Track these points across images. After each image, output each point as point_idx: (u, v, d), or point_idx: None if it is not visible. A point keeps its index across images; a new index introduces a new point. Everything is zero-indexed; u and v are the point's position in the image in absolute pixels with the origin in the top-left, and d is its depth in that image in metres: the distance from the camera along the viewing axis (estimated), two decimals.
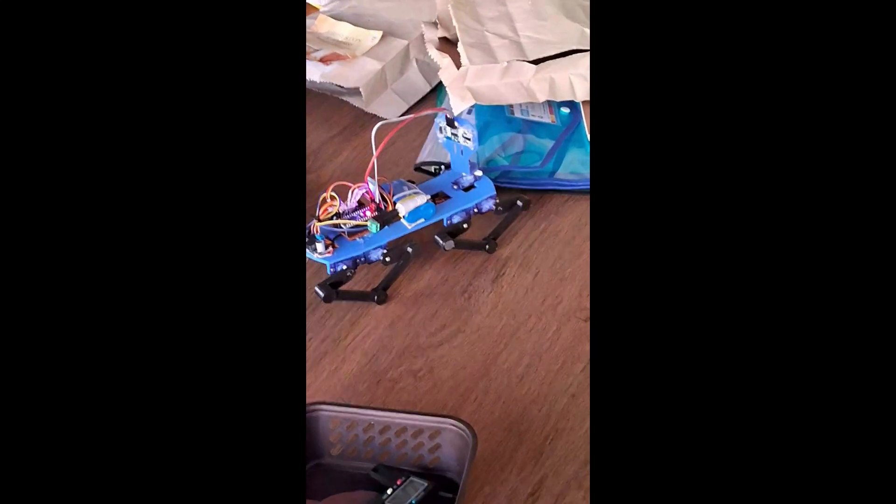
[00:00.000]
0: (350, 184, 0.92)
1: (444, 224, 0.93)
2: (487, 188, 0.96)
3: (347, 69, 1.16)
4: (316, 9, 1.34)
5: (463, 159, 0.96)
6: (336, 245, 0.89)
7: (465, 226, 0.95)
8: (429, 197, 0.93)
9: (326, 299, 0.87)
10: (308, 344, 0.85)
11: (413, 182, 0.97)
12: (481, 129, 1.06)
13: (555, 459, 0.74)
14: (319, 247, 0.88)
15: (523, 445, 0.75)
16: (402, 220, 0.91)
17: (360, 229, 0.90)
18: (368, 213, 0.91)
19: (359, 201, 0.91)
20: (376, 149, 0.90)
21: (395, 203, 0.91)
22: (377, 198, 0.91)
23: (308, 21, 1.26)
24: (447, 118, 0.95)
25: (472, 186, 0.96)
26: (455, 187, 0.97)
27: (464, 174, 0.97)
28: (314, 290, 0.88)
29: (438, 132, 0.98)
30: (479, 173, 0.97)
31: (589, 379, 0.80)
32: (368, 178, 0.91)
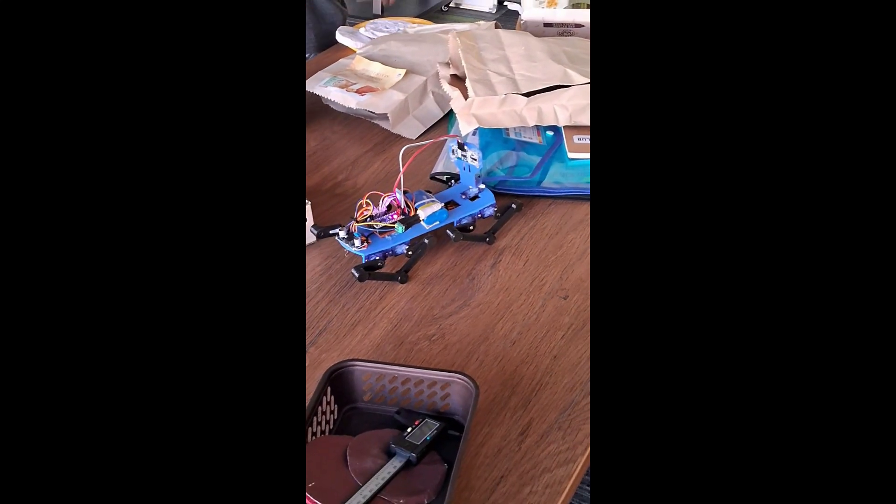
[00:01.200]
0: (381, 193, 0.93)
1: (454, 225, 0.95)
2: (489, 198, 0.97)
3: (378, 99, 1.16)
4: (353, 51, 1.35)
5: (470, 175, 0.98)
6: (369, 241, 0.90)
7: (471, 227, 0.96)
8: (443, 204, 0.94)
9: (360, 279, 0.88)
10: (345, 313, 0.85)
11: (430, 192, 0.97)
12: (483, 148, 1.08)
13: (539, 407, 0.74)
14: (357, 242, 0.89)
15: (515, 396, 0.75)
16: (422, 222, 0.92)
17: (388, 229, 0.91)
18: (395, 217, 0.91)
19: (388, 206, 0.92)
20: (403, 166, 0.91)
21: (416, 209, 0.92)
22: (402, 204, 0.92)
23: (347, 61, 1.27)
24: (458, 143, 0.96)
25: (476, 196, 0.98)
26: (463, 197, 0.98)
27: (470, 187, 0.98)
28: (351, 272, 0.89)
29: (451, 153, 0.99)
30: (482, 186, 0.98)
31: (567, 343, 0.81)
32: (396, 189, 0.92)
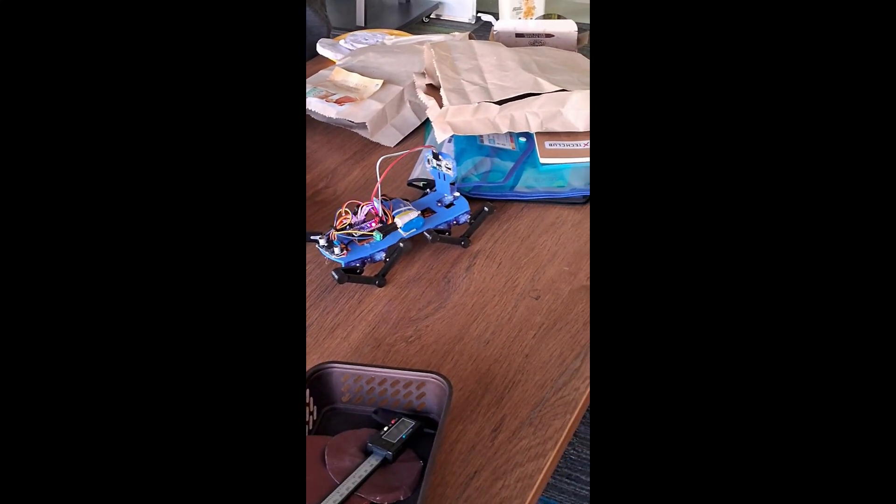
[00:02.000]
0: (360, 201, 0.93)
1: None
2: (463, 205, 0.97)
3: (357, 108, 1.16)
4: (333, 62, 1.35)
5: (445, 183, 0.97)
6: (349, 248, 0.89)
7: (447, 232, 0.96)
8: (419, 212, 0.93)
9: (340, 281, 0.88)
10: (325, 317, 0.85)
11: (407, 199, 0.97)
12: (458, 154, 1.08)
13: (512, 404, 0.74)
14: (336, 250, 0.88)
15: (488, 393, 0.75)
16: (399, 230, 0.92)
17: (367, 237, 0.91)
18: (373, 225, 0.91)
19: (366, 215, 0.92)
20: (380, 176, 0.92)
21: (394, 217, 0.92)
22: (380, 213, 0.92)
23: (326, 72, 1.26)
24: (433, 153, 0.96)
25: (451, 204, 0.97)
26: (439, 204, 0.98)
27: (446, 195, 0.98)
28: (331, 274, 0.89)
29: (427, 163, 0.99)
30: (457, 194, 0.98)
31: (539, 342, 0.81)
32: (374, 199, 0.92)
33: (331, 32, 1.56)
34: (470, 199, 1.00)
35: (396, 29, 1.51)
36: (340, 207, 0.92)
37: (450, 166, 0.95)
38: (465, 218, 0.98)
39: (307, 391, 0.71)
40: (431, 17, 3.78)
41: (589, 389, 0.77)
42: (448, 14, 3.79)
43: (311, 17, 1.48)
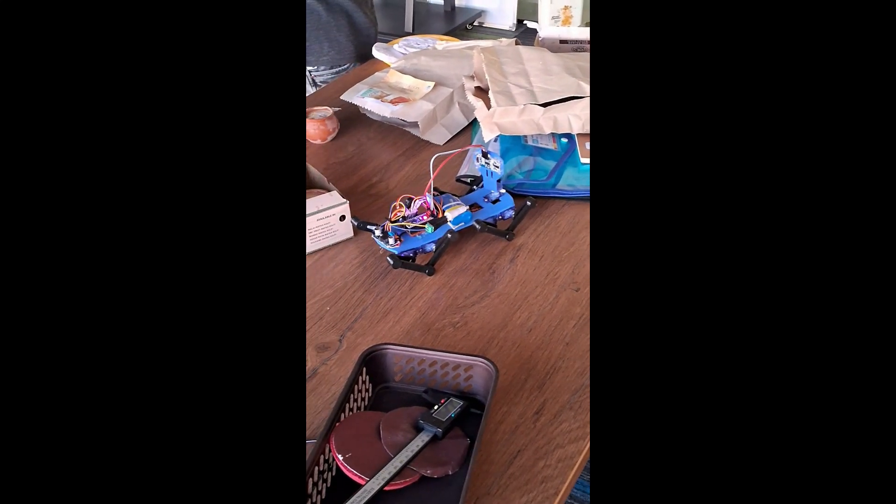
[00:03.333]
0: (412, 195, 0.93)
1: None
2: (508, 202, 0.97)
3: (409, 108, 1.16)
4: (387, 65, 1.35)
5: (492, 180, 0.97)
6: (402, 239, 0.90)
7: (493, 225, 0.96)
8: (467, 206, 0.93)
9: (395, 266, 0.88)
10: (378, 302, 0.85)
11: (456, 195, 0.97)
12: (504, 153, 1.07)
13: (553, 389, 0.73)
14: (390, 240, 0.88)
15: (531, 378, 0.75)
16: (449, 223, 0.92)
17: (419, 229, 0.90)
18: (425, 218, 0.91)
19: (419, 208, 0.92)
20: (434, 172, 0.91)
21: (444, 211, 0.92)
22: (432, 207, 0.92)
23: (381, 74, 1.26)
24: (482, 152, 0.96)
25: (497, 200, 0.97)
26: (486, 200, 0.97)
27: (492, 191, 0.98)
28: (387, 259, 0.89)
29: (475, 161, 0.98)
30: (503, 191, 0.97)
31: (579, 331, 0.80)
32: (427, 193, 0.92)
33: (378, 34, 1.57)
34: (514, 196, 0.99)
35: (444, 35, 1.50)
36: (395, 201, 0.92)
37: (497, 164, 0.94)
38: (509, 213, 0.97)
39: (363, 370, 0.72)
40: (475, 24, 3.76)
41: (590, 378, 0.75)
42: (490, 21, 3.77)
43: (360, 18, 1.49)
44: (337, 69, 1.50)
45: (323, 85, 1.50)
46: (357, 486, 0.62)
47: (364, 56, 1.52)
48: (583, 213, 1.01)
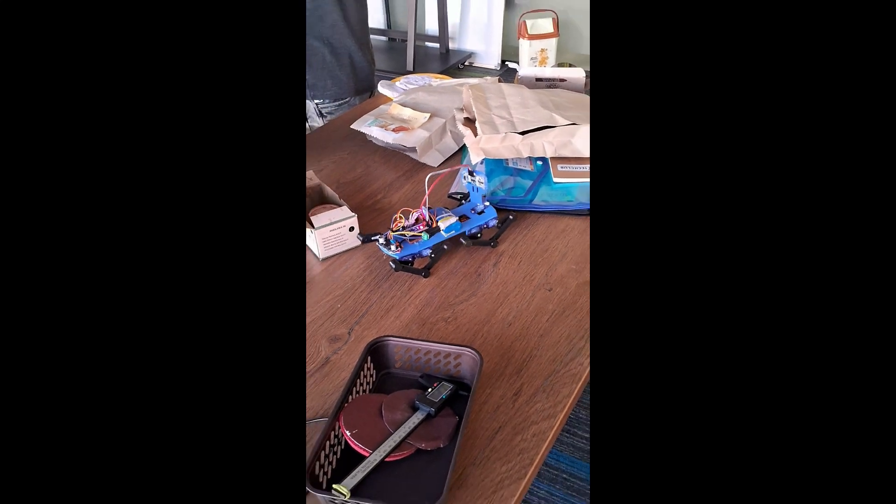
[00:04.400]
0: (411, 209, 0.93)
1: (466, 233, 0.94)
2: (492, 213, 0.97)
3: (409, 136, 1.16)
4: (390, 99, 1.35)
5: (478, 195, 0.97)
6: (402, 246, 0.89)
7: (478, 234, 0.96)
8: (457, 217, 0.93)
9: (396, 269, 0.88)
10: (382, 300, 0.85)
11: (447, 208, 0.97)
12: (488, 173, 1.07)
13: (529, 374, 0.73)
14: (392, 247, 0.88)
15: (510, 365, 0.75)
16: (442, 231, 0.92)
17: (416, 237, 0.90)
18: (421, 227, 0.91)
19: (416, 219, 0.92)
20: (428, 189, 0.92)
21: (437, 221, 0.92)
22: (427, 218, 0.92)
23: (385, 107, 1.26)
24: (469, 171, 0.96)
25: (482, 211, 0.97)
26: (473, 212, 0.97)
27: (478, 204, 0.98)
28: (389, 264, 0.89)
29: (463, 178, 0.98)
30: (487, 204, 0.97)
31: (551, 325, 0.80)
32: (422, 207, 0.92)
33: (374, 73, 1.58)
34: (497, 210, 0.99)
35: (439, 73, 1.50)
36: (396, 213, 0.92)
37: (482, 181, 0.95)
38: (493, 223, 0.97)
39: (368, 358, 0.71)
40: (465, 63, 3.77)
41: (590, 365, 0.75)
42: (478, 62, 3.78)
43: (360, 59, 1.50)
44: (339, 102, 1.52)
45: (329, 116, 1.51)
46: (362, 458, 0.62)
47: (361, 90, 1.53)
48: (555, 225, 1.01)
